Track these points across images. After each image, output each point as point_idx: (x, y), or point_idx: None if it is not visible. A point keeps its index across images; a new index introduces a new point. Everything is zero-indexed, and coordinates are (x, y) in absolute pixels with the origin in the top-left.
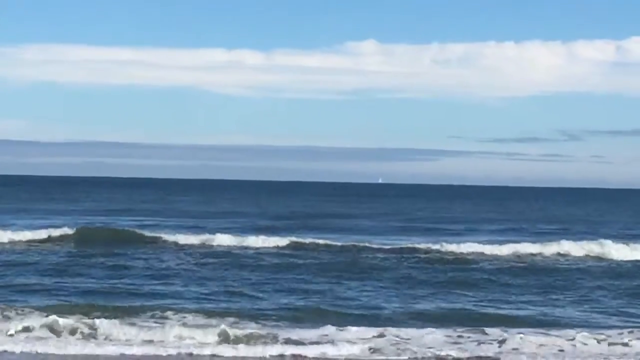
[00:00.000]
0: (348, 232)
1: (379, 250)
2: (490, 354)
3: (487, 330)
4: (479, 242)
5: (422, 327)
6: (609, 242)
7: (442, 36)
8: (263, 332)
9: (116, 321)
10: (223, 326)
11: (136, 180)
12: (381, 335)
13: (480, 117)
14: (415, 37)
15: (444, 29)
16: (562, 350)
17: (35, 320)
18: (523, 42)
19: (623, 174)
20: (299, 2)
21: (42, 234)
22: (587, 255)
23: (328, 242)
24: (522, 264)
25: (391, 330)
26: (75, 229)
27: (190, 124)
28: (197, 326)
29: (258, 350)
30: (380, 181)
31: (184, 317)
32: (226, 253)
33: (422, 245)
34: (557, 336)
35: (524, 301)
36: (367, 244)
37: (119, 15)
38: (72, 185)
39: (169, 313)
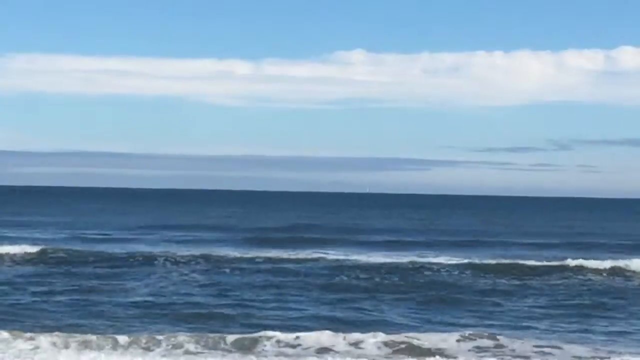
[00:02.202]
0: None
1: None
2: None
3: None
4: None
5: None
6: None
7: (431, 46)
8: None
9: None
10: None
11: (126, 190)
12: None
13: (470, 126)
14: (404, 47)
15: (434, 39)
16: None
17: None
18: (512, 51)
19: (613, 184)
20: (288, 12)
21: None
22: None
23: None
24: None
25: None
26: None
27: (180, 134)
28: None
29: None
30: (367, 191)
31: None
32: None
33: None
34: None
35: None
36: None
37: (108, 25)
38: (60, 196)
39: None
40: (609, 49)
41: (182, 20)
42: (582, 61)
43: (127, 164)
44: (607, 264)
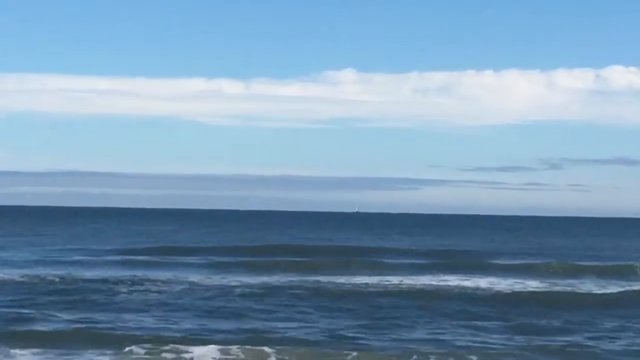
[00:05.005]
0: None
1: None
2: None
3: None
4: None
5: None
6: None
7: (421, 65)
8: None
9: None
10: None
11: (117, 210)
12: None
13: (460, 145)
14: (394, 66)
15: (423, 58)
16: None
17: None
18: (502, 71)
19: (603, 203)
20: (278, 31)
21: None
22: None
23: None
24: None
25: None
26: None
27: (170, 154)
28: None
29: None
30: (356, 210)
31: None
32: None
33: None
34: None
35: None
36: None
37: (97, 44)
38: (52, 216)
39: None
40: (599, 68)
41: (170, 39)
42: (572, 80)
43: (117, 183)
44: None
